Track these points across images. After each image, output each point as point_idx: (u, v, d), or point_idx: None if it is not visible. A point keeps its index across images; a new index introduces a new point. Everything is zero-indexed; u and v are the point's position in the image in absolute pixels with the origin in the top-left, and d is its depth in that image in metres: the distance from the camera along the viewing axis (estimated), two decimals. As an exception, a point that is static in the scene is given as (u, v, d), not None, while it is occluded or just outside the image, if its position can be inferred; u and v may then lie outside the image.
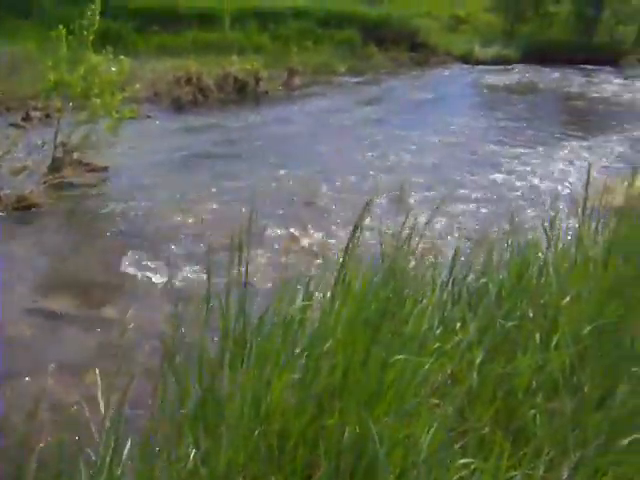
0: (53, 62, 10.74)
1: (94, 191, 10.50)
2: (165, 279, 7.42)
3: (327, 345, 3.60)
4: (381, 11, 31.16)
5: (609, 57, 33.52)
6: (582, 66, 31.20)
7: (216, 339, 4.01)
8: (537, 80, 27.69)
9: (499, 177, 12.48)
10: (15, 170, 10.27)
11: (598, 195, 5.85)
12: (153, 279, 7.52)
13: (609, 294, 4.34)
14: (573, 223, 5.72)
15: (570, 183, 11.97)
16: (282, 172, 11.91)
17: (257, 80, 20.57)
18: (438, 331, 4.05)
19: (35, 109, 14.78)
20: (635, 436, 3.32)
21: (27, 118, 14.51)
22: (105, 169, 11.29)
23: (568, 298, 4.33)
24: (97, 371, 3.59)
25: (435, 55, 30.89)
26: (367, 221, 4.56)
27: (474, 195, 11.20)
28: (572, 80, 28.02)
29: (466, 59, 31.42)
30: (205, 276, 4.12)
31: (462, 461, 3.10)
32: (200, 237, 8.53)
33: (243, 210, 8.29)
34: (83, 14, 10.76)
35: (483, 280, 4.68)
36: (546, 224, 5.40)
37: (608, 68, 31.48)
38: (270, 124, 16.70)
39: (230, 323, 3.97)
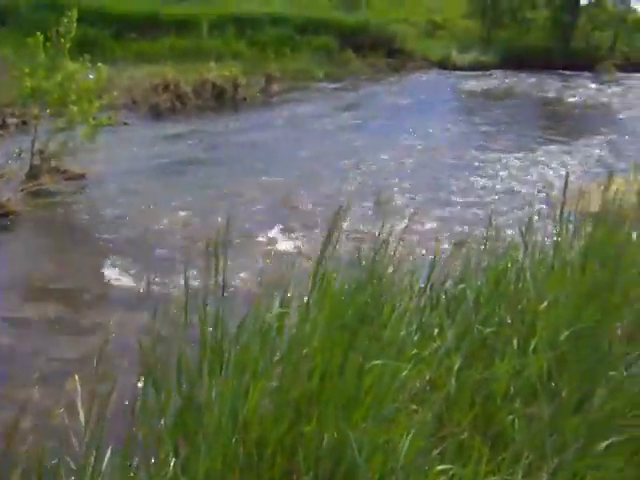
0: (30, 69, 10.69)
1: (72, 198, 10.45)
2: (143, 286, 7.38)
3: (304, 351, 3.59)
4: (358, 17, 31.30)
5: (586, 62, 33.83)
6: (559, 71, 31.46)
7: (196, 346, 3.99)
8: (515, 85, 27.87)
9: (478, 181, 12.53)
10: (-8, 178, 10.21)
11: (576, 199, 5.88)
12: (131, 286, 7.48)
13: (586, 299, 4.35)
14: (551, 228, 5.72)
15: (548, 187, 12.00)
16: (261, 178, 11.90)
17: (235, 86, 20.59)
18: (416, 337, 4.05)
19: (12, 116, 14.72)
20: (613, 439, 3.34)
21: (3, 125, 14.46)
22: (83, 176, 11.24)
23: (546, 303, 4.34)
24: (77, 379, 3.57)
25: (412, 61, 31.07)
26: (345, 226, 4.56)
27: (453, 200, 11.22)
28: (550, 85, 28.21)
29: (443, 65, 31.63)
30: (183, 283, 4.10)
31: (441, 467, 3.10)
32: (178, 244, 8.51)
33: (222, 216, 8.27)
34: (60, 21, 10.72)
35: (461, 286, 4.67)
36: (524, 229, 5.41)
37: (585, 73, 31.76)
38: (249, 130, 16.69)
39: (208, 331, 3.95)
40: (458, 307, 4.43)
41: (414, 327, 4.12)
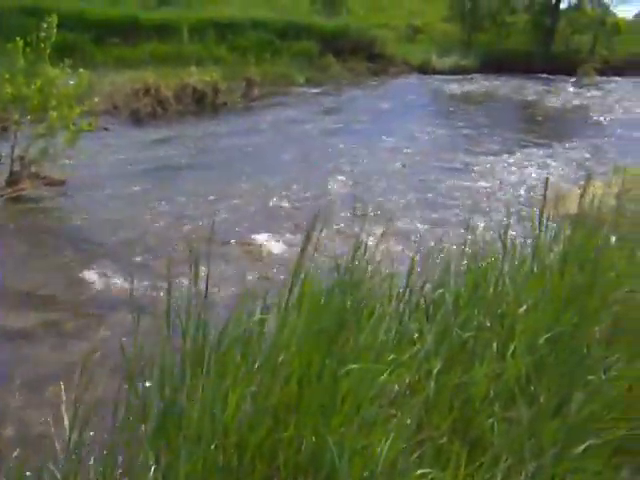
0: (9, 74, 10.64)
1: (52, 204, 10.41)
2: (125, 292, 7.36)
3: (282, 357, 3.59)
4: (339, 22, 31.40)
5: (566, 66, 34.02)
6: (540, 75, 31.60)
7: (177, 353, 3.99)
8: (495, 89, 27.99)
9: (459, 184, 12.55)
10: (-28, 184, 10.18)
11: (555, 202, 5.91)
12: (113, 292, 7.46)
13: (565, 303, 4.37)
14: (530, 231, 5.74)
15: (528, 189, 12.07)
16: (244, 182, 11.90)
17: (216, 91, 20.61)
18: (395, 341, 4.06)
19: (-9, 122, 14.63)
20: (590, 442, 3.36)
21: (-17, 131, 14.37)
22: (63, 182, 11.18)
23: (525, 307, 4.36)
24: (62, 386, 3.56)
25: (393, 65, 31.20)
26: (325, 229, 4.57)
27: (433, 202, 11.26)
28: (530, 89, 28.36)
29: (424, 69, 31.76)
30: (166, 288, 4.10)
31: (420, 471, 3.11)
32: (160, 249, 8.49)
33: (204, 221, 8.27)
34: (40, 26, 10.68)
35: (440, 290, 4.69)
36: (503, 232, 5.43)
37: (565, 77, 31.90)
38: (229, 135, 16.69)
39: (190, 337, 3.95)
40: (437, 311, 4.44)
41: (393, 331, 4.13)
